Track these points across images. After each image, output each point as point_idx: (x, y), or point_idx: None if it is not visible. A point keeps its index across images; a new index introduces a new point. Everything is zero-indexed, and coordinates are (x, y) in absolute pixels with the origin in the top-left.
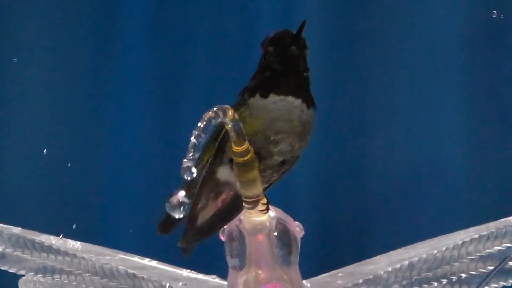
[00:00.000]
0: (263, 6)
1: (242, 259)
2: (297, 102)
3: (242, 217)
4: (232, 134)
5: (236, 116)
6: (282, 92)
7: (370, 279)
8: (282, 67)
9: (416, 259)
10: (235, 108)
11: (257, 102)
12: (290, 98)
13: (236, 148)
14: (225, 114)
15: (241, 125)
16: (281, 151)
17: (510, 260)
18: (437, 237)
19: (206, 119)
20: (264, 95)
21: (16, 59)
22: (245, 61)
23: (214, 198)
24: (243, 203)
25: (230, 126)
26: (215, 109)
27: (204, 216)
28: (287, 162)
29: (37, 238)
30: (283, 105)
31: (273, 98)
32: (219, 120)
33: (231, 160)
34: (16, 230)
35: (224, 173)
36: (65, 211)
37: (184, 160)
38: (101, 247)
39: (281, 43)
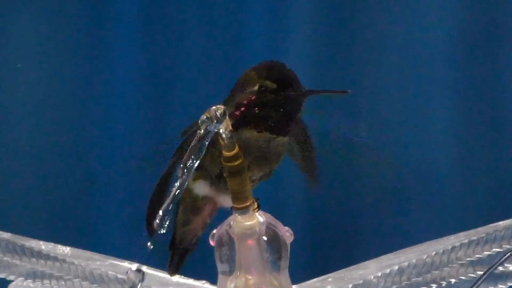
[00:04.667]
0: (255, 6)
1: (231, 264)
2: (282, 140)
3: (232, 223)
4: (224, 138)
5: (228, 121)
6: (275, 131)
7: (360, 284)
8: (282, 109)
9: (406, 264)
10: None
11: (248, 134)
12: (279, 138)
13: (226, 153)
14: (218, 119)
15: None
16: (261, 169)
17: (499, 266)
18: (427, 242)
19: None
20: (259, 130)
21: (19, 65)
22: (235, 61)
23: (195, 213)
24: (233, 209)
25: (222, 130)
26: (209, 113)
27: (191, 231)
28: (265, 175)
29: (27, 243)
30: (274, 144)
31: (265, 134)
32: (211, 125)
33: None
34: (6, 235)
35: (202, 187)
36: (54, 216)
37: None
38: (91, 252)
39: (288, 85)
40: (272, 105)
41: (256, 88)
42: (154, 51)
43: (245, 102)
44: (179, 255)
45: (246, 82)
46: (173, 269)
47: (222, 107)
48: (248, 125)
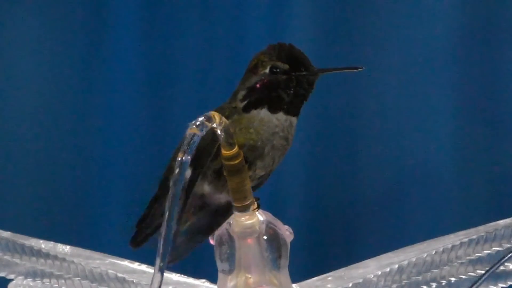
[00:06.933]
0: (254, 6)
1: (231, 263)
2: (295, 121)
3: (232, 221)
4: (222, 138)
5: (225, 120)
6: (289, 112)
7: (360, 283)
8: (295, 89)
9: (406, 262)
10: (226, 115)
11: (262, 115)
12: (293, 118)
13: (226, 152)
14: (211, 121)
15: (231, 128)
16: (265, 166)
17: (501, 265)
18: (426, 241)
19: (191, 135)
20: (273, 111)
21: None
22: (235, 60)
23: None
24: (233, 208)
25: (219, 130)
26: (198, 122)
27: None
28: (265, 175)
29: (27, 242)
30: (287, 124)
31: (280, 116)
32: (207, 128)
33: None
34: (6, 234)
35: (203, 187)
36: (54, 215)
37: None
38: (90, 251)
39: (300, 65)
40: (285, 85)
41: (267, 70)
42: (154, 50)
43: (258, 85)
44: (146, 235)
45: (257, 65)
46: (136, 244)
47: (211, 113)
48: (263, 107)
